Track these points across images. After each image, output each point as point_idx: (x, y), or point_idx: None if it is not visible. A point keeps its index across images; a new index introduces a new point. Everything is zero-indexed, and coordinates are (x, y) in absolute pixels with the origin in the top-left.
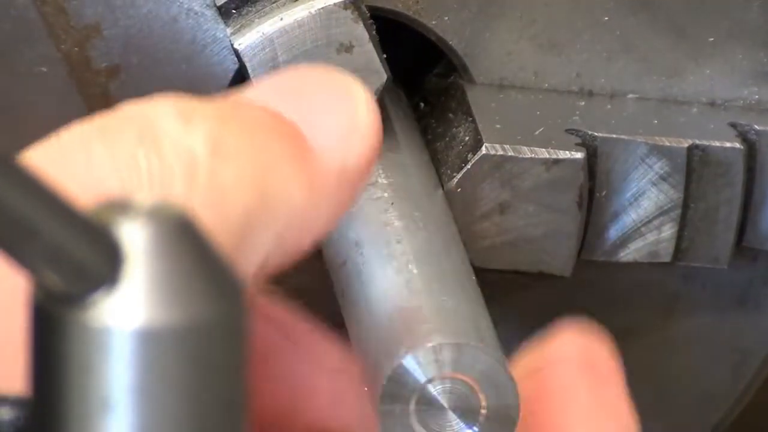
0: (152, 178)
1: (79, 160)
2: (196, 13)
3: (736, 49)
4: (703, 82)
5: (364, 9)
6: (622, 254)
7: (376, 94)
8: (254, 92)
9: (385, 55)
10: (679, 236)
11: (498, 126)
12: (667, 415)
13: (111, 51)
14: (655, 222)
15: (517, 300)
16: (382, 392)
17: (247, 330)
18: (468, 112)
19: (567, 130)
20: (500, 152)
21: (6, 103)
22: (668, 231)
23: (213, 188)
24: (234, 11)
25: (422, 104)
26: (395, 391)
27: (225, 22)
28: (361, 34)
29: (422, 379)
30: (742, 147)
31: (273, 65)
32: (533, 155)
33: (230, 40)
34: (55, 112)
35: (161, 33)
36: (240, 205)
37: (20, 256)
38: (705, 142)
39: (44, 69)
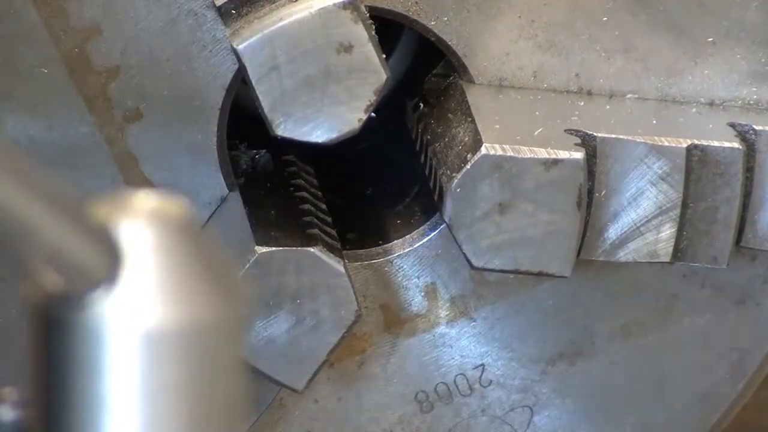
0: None
1: None
2: (195, 14)
3: (734, 49)
4: (702, 82)
5: (364, 9)
6: (621, 254)
7: (375, 94)
8: None
9: (384, 55)
10: (678, 236)
11: (497, 126)
12: (666, 414)
13: (111, 51)
14: (654, 222)
15: (517, 299)
16: None
17: (244, 330)
18: (467, 113)
19: (566, 131)
20: (500, 152)
21: (7, 103)
22: (667, 231)
23: None
24: (233, 12)
25: (422, 104)
26: None
27: (224, 23)
28: (360, 34)
29: None
30: (741, 147)
31: (272, 65)
32: (533, 155)
33: (230, 41)
34: (55, 112)
35: (161, 34)
36: None
37: (20, 256)
38: (704, 142)
39: (44, 69)
